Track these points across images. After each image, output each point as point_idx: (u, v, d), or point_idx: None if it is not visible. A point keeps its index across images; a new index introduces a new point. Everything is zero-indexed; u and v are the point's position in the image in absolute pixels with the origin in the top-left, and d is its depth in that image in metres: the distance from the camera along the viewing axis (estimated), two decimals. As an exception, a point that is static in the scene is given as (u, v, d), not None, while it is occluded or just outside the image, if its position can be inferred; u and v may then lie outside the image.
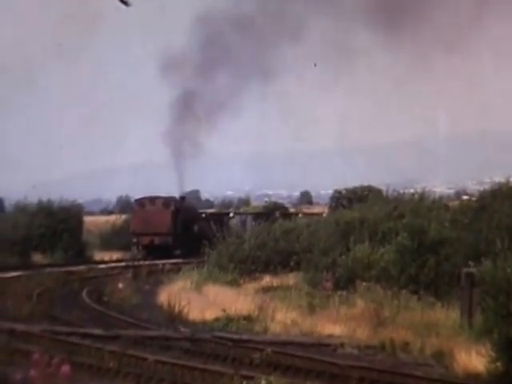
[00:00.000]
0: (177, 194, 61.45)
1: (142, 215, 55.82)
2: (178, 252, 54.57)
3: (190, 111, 66.70)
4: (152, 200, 57.30)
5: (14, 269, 42.45)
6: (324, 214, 53.30)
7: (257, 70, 74.47)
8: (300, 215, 61.60)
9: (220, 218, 61.98)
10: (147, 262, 47.29)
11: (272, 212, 65.91)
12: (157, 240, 54.92)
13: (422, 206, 33.29)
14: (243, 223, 61.30)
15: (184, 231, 56.51)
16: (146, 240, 54.87)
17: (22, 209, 58.73)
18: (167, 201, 57.41)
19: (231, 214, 64.20)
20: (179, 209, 57.44)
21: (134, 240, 55.37)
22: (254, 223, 60.40)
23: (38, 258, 53.31)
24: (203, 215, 61.60)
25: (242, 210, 75.41)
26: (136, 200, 58.90)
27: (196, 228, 58.24)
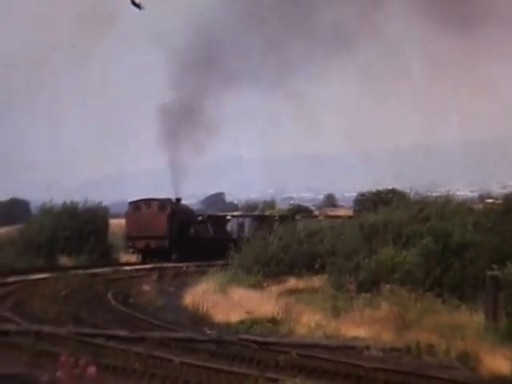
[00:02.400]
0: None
1: (137, 218, 54.32)
2: (173, 256, 53.23)
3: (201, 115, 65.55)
4: (147, 202, 55.86)
5: (41, 271, 42.78)
6: (349, 217, 53.21)
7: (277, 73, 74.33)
8: (320, 217, 61.24)
9: (217, 220, 60.78)
10: (171, 265, 47.44)
11: (272, 216, 65.47)
12: (153, 244, 53.63)
13: (446, 209, 33.21)
14: (241, 226, 60.55)
15: (180, 234, 55.18)
16: (141, 244, 53.64)
17: (47, 211, 59.08)
18: (163, 203, 55.76)
19: (228, 217, 62.73)
20: (175, 211, 55.85)
21: (130, 244, 54.26)
22: (252, 225, 60.05)
23: (63, 260, 53.65)
24: (200, 218, 60.01)
25: (268, 212, 75.14)
26: (130, 202, 57.00)
27: (192, 231, 56.93)
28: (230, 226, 60.34)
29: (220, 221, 60.93)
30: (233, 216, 63.86)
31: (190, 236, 55.96)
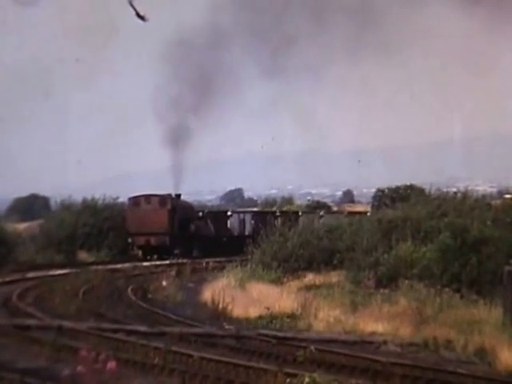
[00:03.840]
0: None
1: (138, 214, 53.37)
2: (176, 251, 52.53)
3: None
4: (147, 198, 54.77)
5: (61, 266, 43.10)
6: (368, 213, 53.17)
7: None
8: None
9: (218, 216, 60.01)
10: (190, 260, 47.56)
11: (273, 212, 65.17)
12: (153, 240, 52.79)
13: (464, 204, 33.21)
14: (241, 222, 60.23)
15: (181, 231, 54.30)
16: (141, 240, 52.84)
17: (67, 207, 59.45)
18: (163, 199, 54.75)
19: (229, 213, 61.81)
20: (176, 207, 54.89)
21: (129, 240, 53.36)
22: (252, 222, 59.80)
23: (83, 255, 53.99)
24: (200, 214, 58.89)
25: (285, 208, 75.06)
26: (130, 198, 55.87)
27: (193, 227, 55.98)
28: (231, 222, 59.69)
29: (221, 217, 60.06)
30: (233, 212, 62.90)
31: (190, 232, 55.07)
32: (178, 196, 57.24)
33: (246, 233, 59.00)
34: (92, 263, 47.61)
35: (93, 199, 59.17)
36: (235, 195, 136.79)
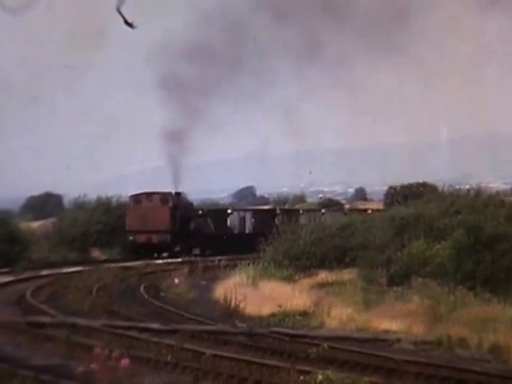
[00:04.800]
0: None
1: (139, 212, 52.64)
2: (177, 249, 52.38)
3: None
4: (149, 196, 54.07)
5: (74, 264, 43.22)
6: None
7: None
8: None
9: (218, 214, 59.42)
10: (202, 258, 47.57)
11: (274, 209, 64.91)
12: (154, 238, 52.21)
13: (477, 201, 33.10)
14: (242, 220, 59.71)
15: (182, 228, 53.73)
16: (142, 238, 52.12)
17: (80, 205, 59.64)
18: (165, 196, 54.09)
19: (229, 211, 61.10)
20: (177, 205, 54.26)
21: (130, 238, 52.70)
22: (252, 220, 59.53)
23: (96, 253, 54.14)
24: (200, 212, 58.15)
25: (297, 206, 75.01)
26: (131, 196, 55.26)
27: (192, 225, 55.44)
28: (231, 220, 59.35)
29: (221, 215, 59.49)
30: (234, 210, 62.35)
31: (190, 230, 54.59)
32: (179, 194, 56.72)
33: (246, 231, 58.77)
34: (105, 261, 47.71)
35: (106, 197, 59.36)
36: (247, 193, 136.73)
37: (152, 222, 52.12)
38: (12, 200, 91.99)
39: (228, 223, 58.89)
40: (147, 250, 51.21)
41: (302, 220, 57.34)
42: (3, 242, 44.93)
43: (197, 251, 54.21)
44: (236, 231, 58.80)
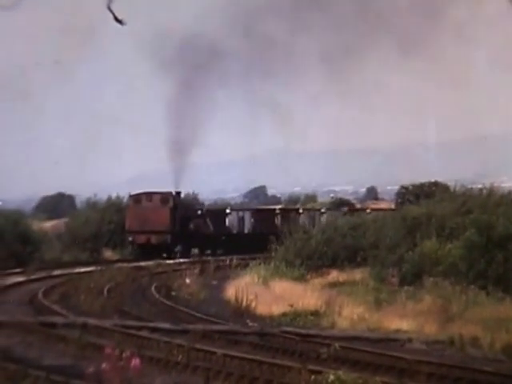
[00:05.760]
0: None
1: (138, 212, 52.00)
2: (177, 250, 51.81)
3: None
4: (148, 196, 53.34)
5: (86, 264, 43.28)
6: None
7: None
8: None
9: (217, 214, 58.84)
10: (213, 258, 47.54)
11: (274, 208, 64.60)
12: (154, 239, 51.66)
13: (490, 201, 32.98)
14: (240, 220, 59.07)
15: (181, 229, 53.21)
16: (142, 239, 51.63)
17: (92, 205, 59.73)
18: (165, 196, 53.36)
19: (228, 210, 60.40)
20: (177, 205, 53.62)
21: (130, 238, 52.23)
22: (252, 220, 59.18)
23: (108, 253, 54.19)
24: (199, 212, 57.61)
25: (309, 205, 74.92)
26: (131, 196, 54.44)
27: (192, 225, 54.85)
28: (230, 220, 58.77)
29: (220, 215, 58.82)
30: (232, 209, 61.65)
31: (190, 231, 54.06)
32: (178, 193, 55.99)
33: (246, 231, 58.35)
34: (116, 261, 47.76)
35: (118, 197, 59.43)
36: (259, 193, 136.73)
37: (152, 222, 51.51)
38: (25, 200, 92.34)
39: (227, 223, 58.37)
40: (147, 251, 50.70)
41: (302, 219, 57.27)
42: (16, 242, 45.08)
43: (195, 251, 53.86)
44: (235, 231, 58.15)
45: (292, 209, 65.64)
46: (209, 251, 52.57)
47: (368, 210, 58.54)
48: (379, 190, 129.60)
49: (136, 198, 53.71)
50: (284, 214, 59.50)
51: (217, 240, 55.10)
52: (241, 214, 60.16)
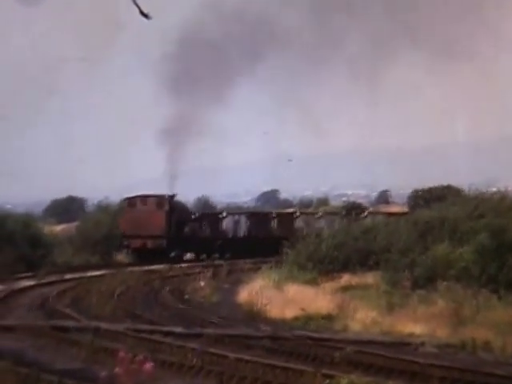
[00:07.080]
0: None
1: (133, 216, 51.05)
2: (173, 254, 51.59)
3: None
4: (143, 199, 52.40)
5: (98, 268, 43.33)
6: (365, 213, 52.83)
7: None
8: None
9: (212, 218, 58.28)
10: (226, 262, 47.52)
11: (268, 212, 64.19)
12: (149, 243, 50.89)
13: (502, 205, 32.92)
14: (236, 223, 58.27)
15: (177, 233, 52.57)
16: (137, 243, 50.80)
17: (103, 208, 59.79)
18: (160, 200, 52.40)
19: (224, 214, 59.55)
20: (173, 208, 52.72)
21: (125, 243, 51.59)
22: (247, 223, 58.77)
23: (119, 257, 54.23)
24: (194, 215, 56.70)
25: (321, 209, 74.81)
26: (126, 199, 53.73)
27: (187, 229, 54.20)
28: (226, 223, 57.86)
29: (215, 218, 58.21)
30: (228, 213, 60.78)
31: (185, 235, 53.45)
32: (173, 196, 54.78)
33: (241, 234, 57.68)
34: (128, 264, 47.82)
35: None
36: (270, 196, 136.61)
37: (147, 226, 50.69)
38: (35, 203, 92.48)
39: (223, 227, 57.56)
40: (142, 256, 50.25)
41: (298, 223, 57.12)
42: (26, 245, 45.13)
43: (187, 256, 53.65)
44: (230, 235, 57.36)
45: (288, 213, 65.26)
46: (204, 256, 51.95)
47: (365, 214, 58.21)
48: (392, 193, 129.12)
49: (131, 202, 52.86)
50: (280, 218, 59.26)
51: (212, 244, 54.56)
52: (236, 217, 59.14)
